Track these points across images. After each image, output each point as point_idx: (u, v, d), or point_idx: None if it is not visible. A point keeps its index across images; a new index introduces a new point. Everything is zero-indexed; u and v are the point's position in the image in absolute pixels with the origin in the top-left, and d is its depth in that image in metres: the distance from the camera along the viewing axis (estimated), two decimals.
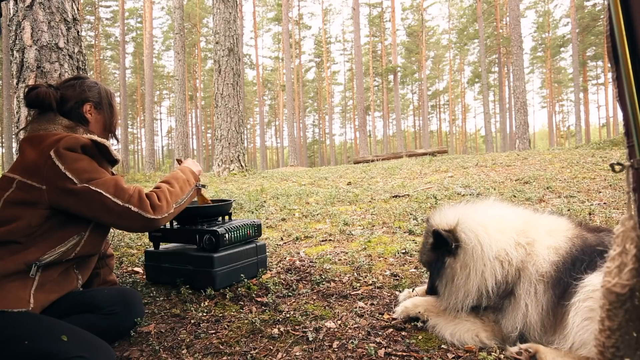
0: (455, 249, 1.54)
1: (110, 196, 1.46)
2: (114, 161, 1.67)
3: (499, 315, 1.51)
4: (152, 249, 2.24)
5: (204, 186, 1.98)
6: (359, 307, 1.87)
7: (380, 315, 1.78)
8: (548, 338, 1.39)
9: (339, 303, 1.93)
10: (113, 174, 1.73)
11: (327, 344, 1.54)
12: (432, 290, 1.69)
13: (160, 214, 1.56)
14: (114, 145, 1.83)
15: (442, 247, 1.57)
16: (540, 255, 1.48)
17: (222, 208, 2.29)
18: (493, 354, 1.40)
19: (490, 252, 1.50)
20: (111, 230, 2.11)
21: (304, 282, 2.24)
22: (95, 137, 1.56)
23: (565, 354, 1.28)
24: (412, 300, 1.74)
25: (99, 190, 1.45)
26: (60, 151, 1.44)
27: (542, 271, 1.45)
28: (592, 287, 1.26)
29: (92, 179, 1.46)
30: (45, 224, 1.43)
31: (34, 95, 1.59)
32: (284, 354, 1.48)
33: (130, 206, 1.48)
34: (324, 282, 2.20)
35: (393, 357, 1.43)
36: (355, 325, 1.68)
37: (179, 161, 2.03)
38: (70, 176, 1.42)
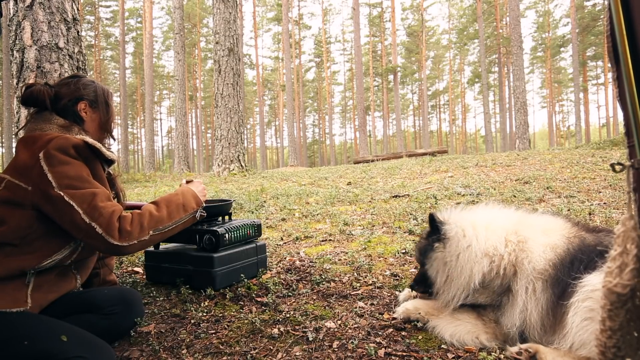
0: (444, 240, 1.62)
1: (80, 211, 1.38)
2: (108, 161, 1.64)
3: (498, 312, 1.52)
4: (152, 249, 2.24)
5: (204, 216, 1.82)
6: (359, 307, 1.87)
7: (380, 315, 1.77)
8: (548, 338, 1.38)
9: (339, 303, 1.93)
10: (110, 173, 1.71)
11: (327, 344, 1.54)
12: (418, 283, 1.75)
13: (127, 240, 1.44)
14: (111, 145, 1.82)
15: (433, 234, 1.67)
16: (535, 251, 1.49)
17: (222, 208, 2.29)
18: (493, 354, 1.40)
19: (478, 248, 1.55)
20: None
21: (304, 282, 2.23)
22: (86, 138, 1.53)
23: (565, 354, 1.28)
24: (413, 303, 1.74)
25: (71, 202, 1.38)
26: (50, 152, 1.41)
27: (540, 268, 1.46)
28: (592, 287, 1.26)
29: (71, 187, 1.40)
30: (38, 226, 1.41)
31: (29, 93, 1.58)
32: (284, 354, 1.48)
33: (95, 226, 1.39)
34: (324, 282, 2.20)
35: (393, 357, 1.43)
36: (355, 325, 1.68)
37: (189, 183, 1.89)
38: (51, 179, 1.38)
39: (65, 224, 1.41)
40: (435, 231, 1.67)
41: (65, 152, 1.44)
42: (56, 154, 1.41)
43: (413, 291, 1.85)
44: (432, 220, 1.67)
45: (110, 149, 1.74)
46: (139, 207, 2.40)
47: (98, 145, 1.55)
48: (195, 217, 1.76)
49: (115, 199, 1.74)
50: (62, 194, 1.38)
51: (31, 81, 2.81)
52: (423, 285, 1.72)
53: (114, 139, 1.85)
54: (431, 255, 1.65)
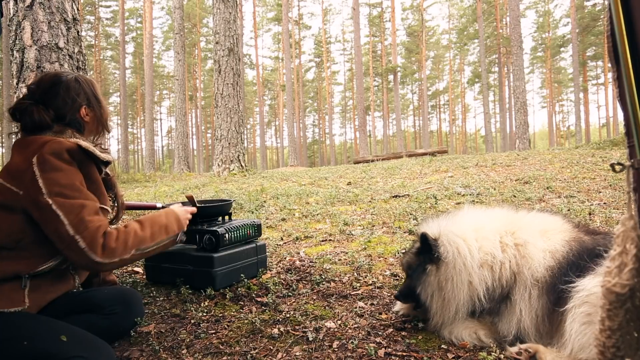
0: (437, 260, 1.53)
1: (66, 222, 1.33)
2: (104, 163, 1.59)
3: (496, 318, 1.50)
4: None
5: (183, 240, 1.78)
6: (359, 307, 1.87)
7: (380, 315, 1.77)
8: (544, 343, 1.38)
9: (339, 303, 1.93)
10: (107, 174, 1.66)
11: (327, 344, 1.54)
12: (404, 296, 1.66)
13: (110, 257, 1.38)
14: (108, 145, 1.79)
15: (426, 253, 1.57)
16: (536, 258, 1.46)
17: (222, 208, 2.29)
18: (493, 353, 1.40)
19: (473, 262, 1.48)
20: None
21: (304, 282, 2.23)
22: (80, 141, 1.49)
23: (565, 355, 1.28)
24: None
25: (58, 212, 1.34)
26: (43, 157, 1.38)
27: (538, 276, 1.44)
28: (587, 291, 1.26)
29: (61, 194, 1.36)
30: (32, 231, 1.38)
31: (31, 123, 1.50)
32: (284, 354, 1.48)
33: (78, 240, 1.33)
34: (324, 282, 2.20)
35: (393, 357, 1.43)
36: (355, 325, 1.68)
37: (189, 198, 1.99)
38: (41, 185, 1.34)
39: (50, 233, 1.37)
40: (427, 250, 1.57)
41: (59, 157, 1.40)
42: (50, 159, 1.38)
43: (399, 301, 1.77)
44: (425, 240, 1.56)
45: (107, 149, 1.69)
46: (139, 207, 2.40)
47: (92, 148, 1.51)
48: (176, 240, 1.72)
49: (114, 200, 1.71)
50: (50, 201, 1.34)
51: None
52: (410, 300, 1.65)
53: (109, 131, 1.78)
54: (424, 279, 1.56)
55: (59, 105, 1.55)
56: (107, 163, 1.60)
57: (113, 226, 1.51)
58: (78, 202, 1.38)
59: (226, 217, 2.35)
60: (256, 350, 1.50)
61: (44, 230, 1.37)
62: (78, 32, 3.08)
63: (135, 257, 1.48)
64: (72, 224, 1.34)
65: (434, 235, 1.58)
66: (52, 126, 1.53)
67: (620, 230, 0.88)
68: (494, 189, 4.51)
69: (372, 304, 1.90)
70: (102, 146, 1.68)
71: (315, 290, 2.10)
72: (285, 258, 2.67)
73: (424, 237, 1.56)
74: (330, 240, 3.08)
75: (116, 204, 1.72)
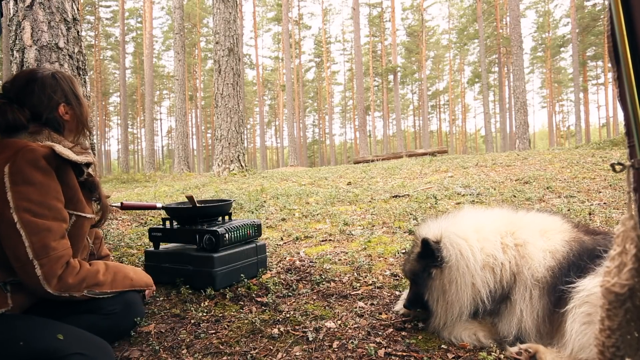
0: (441, 264, 1.52)
1: (27, 244, 1.27)
2: (85, 165, 1.50)
3: (496, 318, 1.50)
4: (152, 249, 2.24)
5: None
6: (359, 307, 1.87)
7: (380, 315, 1.77)
8: (544, 343, 1.38)
9: (339, 303, 1.93)
10: (90, 175, 1.55)
11: (327, 344, 1.54)
12: (413, 303, 1.65)
13: (61, 291, 1.34)
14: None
15: (429, 258, 1.56)
16: (535, 258, 1.46)
17: (222, 208, 2.29)
18: (493, 354, 1.40)
19: (476, 264, 1.48)
20: (107, 228, 2.09)
21: (304, 282, 2.23)
22: (55, 146, 1.41)
23: (565, 355, 1.28)
24: None
25: (21, 231, 1.27)
26: (17, 167, 1.30)
27: (538, 276, 1.44)
28: (587, 292, 1.26)
29: (29, 211, 1.29)
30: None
31: (4, 123, 1.43)
32: (284, 354, 1.48)
33: (36, 266, 1.28)
34: (324, 282, 2.20)
35: (393, 357, 1.43)
36: (355, 325, 1.68)
37: (189, 198, 2.07)
38: (9, 199, 1.27)
39: (7, 248, 1.30)
40: (429, 254, 1.55)
41: (35, 166, 1.33)
42: (24, 170, 1.31)
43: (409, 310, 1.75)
44: (427, 245, 1.54)
45: (87, 149, 1.58)
46: (139, 207, 2.40)
47: (66, 153, 1.42)
48: (140, 293, 1.73)
49: (98, 202, 1.63)
50: (15, 218, 1.28)
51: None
52: (419, 306, 1.64)
53: (90, 131, 1.71)
54: (430, 284, 1.55)
55: (34, 103, 1.48)
56: (87, 165, 1.52)
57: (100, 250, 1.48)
58: (45, 224, 1.32)
59: (226, 217, 2.35)
60: (256, 350, 1.51)
61: (2, 243, 1.31)
62: (78, 32, 3.08)
63: (85, 297, 1.45)
64: (34, 247, 1.29)
65: (436, 237, 1.57)
66: (27, 126, 1.46)
67: (620, 230, 0.88)
68: (494, 189, 4.51)
69: (372, 304, 1.90)
70: (82, 146, 1.58)
71: (315, 290, 2.10)
72: (285, 258, 2.67)
73: (425, 242, 1.54)
74: (330, 240, 3.08)
75: (100, 207, 1.63)
